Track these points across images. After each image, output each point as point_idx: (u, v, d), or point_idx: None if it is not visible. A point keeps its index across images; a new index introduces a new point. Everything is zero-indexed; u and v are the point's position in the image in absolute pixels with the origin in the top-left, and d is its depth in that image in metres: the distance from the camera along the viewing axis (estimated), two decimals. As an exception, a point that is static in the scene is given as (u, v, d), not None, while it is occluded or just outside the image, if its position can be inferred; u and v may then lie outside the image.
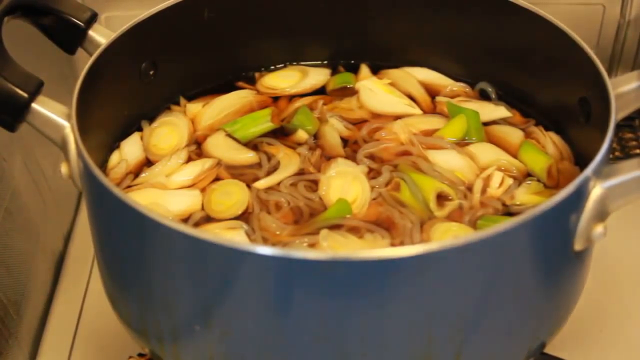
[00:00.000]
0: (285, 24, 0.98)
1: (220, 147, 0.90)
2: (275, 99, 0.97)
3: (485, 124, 0.92)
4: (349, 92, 0.97)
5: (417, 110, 0.94)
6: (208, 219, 0.83)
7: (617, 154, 1.20)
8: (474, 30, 0.95)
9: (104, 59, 0.83)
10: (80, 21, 0.88)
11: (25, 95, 0.78)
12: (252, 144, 0.90)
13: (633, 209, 0.78)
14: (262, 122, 0.92)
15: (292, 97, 0.97)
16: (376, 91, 0.95)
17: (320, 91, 0.98)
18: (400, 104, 0.94)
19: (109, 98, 0.86)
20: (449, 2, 0.95)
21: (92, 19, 0.89)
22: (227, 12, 0.95)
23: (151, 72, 0.92)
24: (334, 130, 0.91)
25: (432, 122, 0.93)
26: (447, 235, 0.79)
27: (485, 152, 0.88)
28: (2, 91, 0.78)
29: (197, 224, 0.82)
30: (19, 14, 0.85)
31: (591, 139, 0.79)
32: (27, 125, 0.80)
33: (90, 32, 0.88)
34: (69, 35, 0.88)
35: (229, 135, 0.91)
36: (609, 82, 0.78)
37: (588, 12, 1.17)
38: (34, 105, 0.79)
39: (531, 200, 0.83)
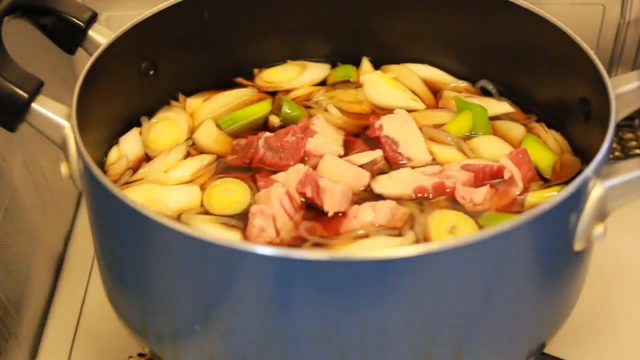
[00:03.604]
0: (285, 22, 0.99)
1: (210, 136, 0.91)
2: (274, 94, 0.97)
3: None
4: (349, 86, 0.98)
5: (421, 105, 0.95)
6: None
7: (617, 154, 1.20)
8: (474, 30, 0.95)
9: (104, 59, 0.83)
10: (80, 21, 0.88)
11: (25, 95, 0.79)
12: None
13: (633, 209, 0.78)
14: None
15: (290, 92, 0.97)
16: (381, 84, 0.96)
17: (320, 86, 0.98)
18: (405, 98, 0.95)
19: (109, 98, 0.86)
20: (449, 2, 0.95)
21: (92, 19, 0.89)
22: (227, 12, 0.95)
23: (151, 72, 0.92)
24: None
25: (438, 117, 0.93)
26: (444, 224, 0.80)
27: (489, 146, 0.89)
28: (2, 91, 0.78)
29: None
30: (19, 14, 0.85)
31: (591, 138, 0.79)
32: (27, 125, 0.80)
33: (90, 32, 0.88)
34: (69, 35, 0.88)
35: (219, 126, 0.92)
36: (609, 82, 0.79)
37: (588, 12, 1.17)
38: (34, 105, 0.79)
39: (535, 198, 0.83)
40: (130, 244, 0.74)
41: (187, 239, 0.67)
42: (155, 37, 0.90)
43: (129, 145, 0.89)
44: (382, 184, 0.84)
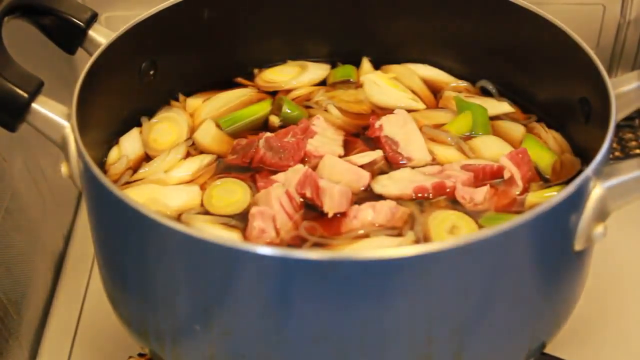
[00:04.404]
0: (285, 22, 0.99)
1: (210, 136, 0.91)
2: (274, 94, 0.97)
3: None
4: (349, 86, 0.98)
5: (421, 105, 0.95)
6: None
7: (617, 154, 1.20)
8: (474, 30, 0.95)
9: (104, 59, 0.83)
10: (80, 21, 0.88)
11: (25, 95, 0.78)
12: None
13: (633, 209, 0.78)
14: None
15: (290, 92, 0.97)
16: (381, 85, 0.96)
17: (320, 85, 0.98)
18: (405, 98, 0.95)
19: (109, 97, 0.86)
20: (449, 2, 0.95)
21: (92, 19, 0.89)
22: (227, 12, 0.95)
23: (151, 72, 0.92)
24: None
25: (438, 117, 0.93)
26: (444, 224, 0.80)
27: (489, 146, 0.89)
28: (2, 91, 0.78)
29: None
30: (19, 14, 0.85)
31: (591, 138, 0.79)
32: (27, 125, 0.80)
33: (90, 32, 0.88)
34: (69, 35, 0.88)
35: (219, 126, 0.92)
36: (609, 82, 0.79)
37: (588, 12, 1.17)
38: (34, 105, 0.79)
39: (535, 198, 0.83)
40: (130, 244, 0.74)
41: (187, 239, 0.67)
42: (155, 37, 0.90)
43: (129, 145, 0.89)
44: (382, 184, 0.84)
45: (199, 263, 0.69)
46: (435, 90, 0.97)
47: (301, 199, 0.81)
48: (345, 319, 0.68)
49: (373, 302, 0.67)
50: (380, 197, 0.82)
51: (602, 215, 0.74)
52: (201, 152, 0.89)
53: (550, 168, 0.86)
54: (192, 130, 0.92)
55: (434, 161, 0.88)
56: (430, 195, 0.83)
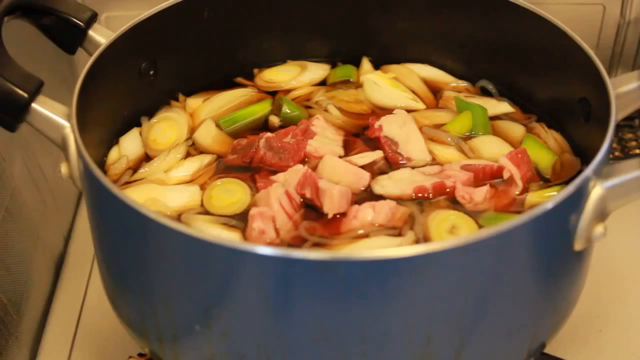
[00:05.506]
0: (285, 22, 0.99)
1: (210, 136, 0.91)
2: (274, 94, 0.97)
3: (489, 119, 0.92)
4: (349, 86, 0.98)
5: (421, 105, 0.95)
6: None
7: (617, 154, 1.20)
8: (474, 30, 0.95)
9: (104, 59, 0.83)
10: (80, 21, 0.88)
11: (25, 95, 0.79)
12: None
13: (633, 209, 0.78)
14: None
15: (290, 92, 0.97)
16: (381, 85, 0.96)
17: (320, 85, 0.98)
18: (405, 98, 0.95)
19: (109, 98, 0.86)
20: (449, 2, 0.95)
21: (92, 19, 0.89)
22: (227, 12, 0.95)
23: (151, 72, 0.92)
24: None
25: (438, 117, 0.93)
26: (444, 224, 0.80)
27: (489, 146, 0.89)
28: (2, 91, 0.78)
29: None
30: (19, 14, 0.85)
31: (591, 138, 0.79)
32: (27, 125, 0.80)
33: (90, 32, 0.88)
34: (69, 35, 0.88)
35: (219, 126, 0.92)
36: (609, 82, 0.79)
37: (588, 12, 1.16)
38: (34, 105, 0.79)
39: (535, 198, 0.83)
40: (130, 244, 0.74)
41: (187, 239, 0.67)
42: (155, 37, 0.90)
43: (129, 145, 0.89)
44: (382, 185, 0.84)
45: (199, 263, 0.69)
46: (435, 90, 0.97)
47: (301, 199, 0.81)
48: (345, 319, 0.68)
49: (373, 302, 0.67)
50: (380, 198, 0.82)
51: (602, 215, 0.74)
52: (201, 152, 0.89)
53: (550, 168, 0.86)
54: (192, 130, 0.92)
55: (434, 161, 0.88)
56: (430, 195, 0.83)
